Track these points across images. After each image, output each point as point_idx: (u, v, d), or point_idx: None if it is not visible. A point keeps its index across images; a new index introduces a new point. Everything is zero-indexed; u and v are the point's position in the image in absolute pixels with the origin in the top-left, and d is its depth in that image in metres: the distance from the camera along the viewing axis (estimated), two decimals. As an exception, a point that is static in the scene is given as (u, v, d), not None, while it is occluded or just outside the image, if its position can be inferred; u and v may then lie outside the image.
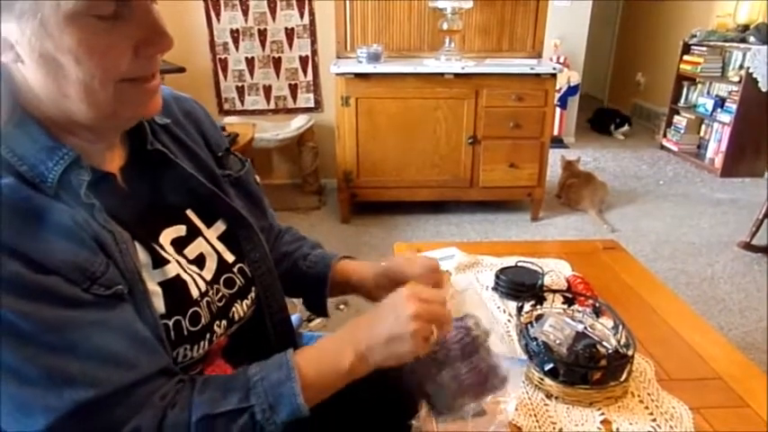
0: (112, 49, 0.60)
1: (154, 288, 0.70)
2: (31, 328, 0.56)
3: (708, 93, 4.84)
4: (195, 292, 0.75)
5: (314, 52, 3.72)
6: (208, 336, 0.76)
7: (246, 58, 3.70)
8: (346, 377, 0.72)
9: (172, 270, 0.73)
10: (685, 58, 4.97)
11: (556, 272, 1.41)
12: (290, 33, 3.66)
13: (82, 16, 0.57)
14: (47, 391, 0.57)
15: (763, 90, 4.16)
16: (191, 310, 0.73)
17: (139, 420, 0.61)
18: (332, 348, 0.73)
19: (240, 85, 3.76)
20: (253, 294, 0.86)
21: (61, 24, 0.56)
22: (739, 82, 4.33)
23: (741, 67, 4.43)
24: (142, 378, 0.62)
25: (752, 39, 4.32)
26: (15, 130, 0.62)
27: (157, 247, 0.73)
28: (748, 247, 3.13)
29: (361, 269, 1.00)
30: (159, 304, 0.70)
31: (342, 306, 2.49)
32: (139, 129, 0.76)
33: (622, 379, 0.98)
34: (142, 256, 0.71)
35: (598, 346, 1.02)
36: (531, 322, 1.13)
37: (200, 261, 0.79)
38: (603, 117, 5.88)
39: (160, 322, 0.69)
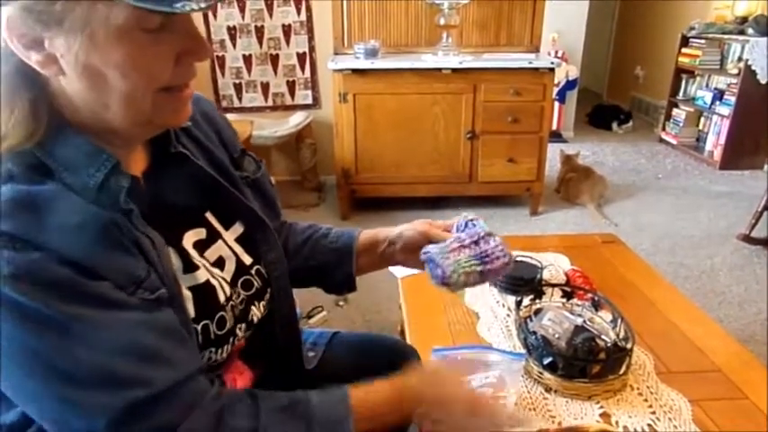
0: (157, 61, 0.61)
1: (185, 292, 0.71)
2: (81, 331, 0.57)
3: (707, 85, 4.83)
4: (222, 297, 0.76)
5: (311, 49, 3.71)
6: (231, 339, 0.77)
7: (244, 56, 3.69)
8: None
9: (202, 275, 0.74)
10: (684, 50, 4.96)
11: (555, 266, 1.42)
12: (287, 30, 3.65)
13: (130, 30, 0.57)
14: (100, 391, 0.58)
15: (762, 82, 4.15)
16: (218, 315, 0.74)
17: (193, 423, 0.62)
18: (387, 410, 0.74)
19: (238, 82, 3.75)
20: (268, 296, 0.87)
21: (110, 38, 0.57)
22: (738, 74, 4.32)
23: (740, 59, 4.42)
24: (187, 376, 0.63)
25: (750, 31, 4.31)
26: (55, 136, 0.62)
27: (185, 252, 0.74)
28: (747, 239, 3.13)
29: (387, 229, 1.00)
30: (190, 308, 0.71)
31: (341, 302, 2.49)
32: (164, 132, 0.76)
33: (621, 372, 0.99)
34: (174, 260, 0.72)
35: (597, 340, 1.02)
36: (530, 316, 1.13)
37: (219, 264, 0.80)
38: (603, 113, 5.86)
39: (192, 326, 0.70)
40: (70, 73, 0.59)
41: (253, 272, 0.84)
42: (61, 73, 0.59)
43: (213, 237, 0.80)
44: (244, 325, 0.81)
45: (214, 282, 0.76)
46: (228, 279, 0.80)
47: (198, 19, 3.52)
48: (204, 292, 0.73)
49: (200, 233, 0.79)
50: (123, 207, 0.64)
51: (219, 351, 0.75)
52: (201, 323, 0.72)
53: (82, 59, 0.58)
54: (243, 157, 0.92)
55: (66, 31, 0.56)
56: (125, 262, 0.62)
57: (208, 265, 0.77)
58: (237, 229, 0.85)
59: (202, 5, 0.56)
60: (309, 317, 2.35)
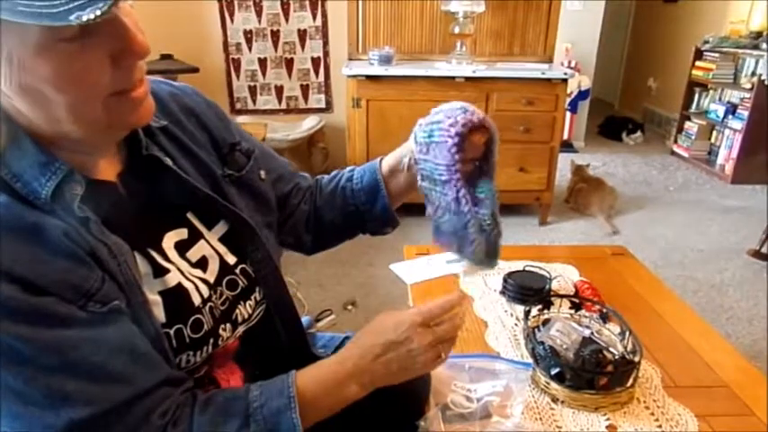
0: (89, 69, 0.59)
1: (154, 298, 0.70)
2: (28, 351, 0.57)
3: (719, 99, 4.81)
4: (197, 300, 0.75)
5: (326, 54, 3.75)
6: (212, 341, 0.76)
7: (259, 59, 3.73)
8: (346, 404, 0.75)
9: (173, 279, 0.73)
10: (697, 63, 4.95)
11: (563, 277, 1.42)
12: (302, 34, 3.69)
13: (50, 43, 0.56)
14: (45, 410, 0.58)
15: (776, 97, 4.14)
16: (192, 318, 0.73)
17: None
18: (334, 379, 0.74)
19: (252, 84, 3.79)
20: (257, 295, 0.86)
21: (32, 57, 0.56)
22: (751, 89, 4.30)
23: (753, 74, 4.41)
24: (140, 393, 0.63)
25: (764, 45, 4.30)
26: (10, 148, 0.62)
27: (158, 255, 0.73)
28: (758, 255, 3.11)
29: (399, 152, 0.96)
30: (159, 314, 0.69)
31: (350, 307, 2.50)
32: (134, 134, 0.75)
33: (628, 385, 0.99)
34: (142, 265, 0.70)
35: (605, 352, 1.03)
36: (538, 326, 1.14)
37: (202, 264, 0.79)
38: (615, 124, 5.86)
39: (161, 332, 0.69)
40: (12, 95, 0.59)
41: (237, 271, 0.83)
42: (6, 96, 0.59)
43: (195, 237, 0.79)
44: (229, 325, 0.79)
45: (187, 284, 0.74)
46: (212, 279, 0.78)
47: (215, 22, 3.59)
48: (175, 296, 0.72)
49: (182, 233, 0.78)
50: (78, 215, 0.63)
51: (199, 353, 0.74)
52: (174, 327, 0.70)
53: (15, 81, 0.57)
54: (232, 152, 0.89)
55: None
56: (75, 274, 0.60)
57: (185, 265, 0.76)
58: (221, 228, 0.83)
59: (98, 13, 0.53)
60: (318, 320, 2.36)
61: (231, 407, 0.68)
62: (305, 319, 1.05)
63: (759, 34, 4.51)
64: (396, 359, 0.74)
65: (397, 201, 0.99)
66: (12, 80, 0.57)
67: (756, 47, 4.41)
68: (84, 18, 0.52)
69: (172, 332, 0.70)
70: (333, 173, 1.07)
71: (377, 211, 0.99)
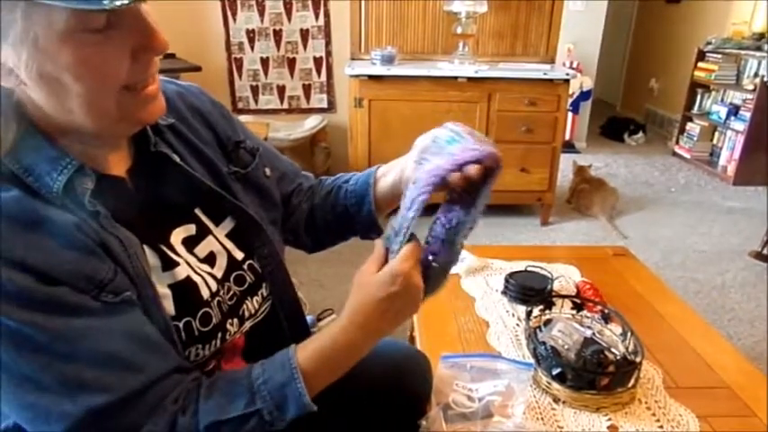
0: (110, 60, 0.60)
1: (163, 291, 0.71)
2: (43, 339, 0.57)
3: (722, 100, 4.81)
4: (206, 293, 0.76)
5: (328, 53, 3.75)
6: (220, 335, 0.77)
7: (261, 58, 3.73)
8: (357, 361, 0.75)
9: (182, 272, 0.74)
10: (700, 65, 4.95)
11: (565, 277, 1.43)
12: (304, 34, 3.69)
13: (75, 33, 0.57)
14: (62, 397, 0.59)
15: (778, 99, 4.13)
16: (201, 311, 0.74)
17: (153, 426, 0.62)
18: (341, 346, 0.73)
19: (254, 84, 3.79)
20: (264, 291, 0.86)
21: (56, 44, 0.57)
22: (754, 90, 4.30)
23: (756, 75, 4.41)
24: (153, 380, 0.64)
25: (767, 47, 4.30)
26: (22, 141, 0.63)
27: (167, 250, 0.74)
28: (760, 256, 3.11)
29: (402, 162, 0.95)
30: (169, 307, 0.70)
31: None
32: (143, 131, 0.76)
33: (630, 385, 0.99)
34: (151, 259, 0.71)
35: (606, 352, 1.03)
36: (539, 326, 1.14)
37: (210, 259, 0.79)
38: (617, 125, 5.86)
39: (171, 324, 0.69)
40: (29, 82, 0.59)
41: (245, 267, 0.84)
42: (22, 83, 0.60)
43: (203, 232, 0.80)
44: (236, 320, 0.80)
45: (196, 278, 0.75)
46: (220, 275, 0.79)
47: (217, 21, 3.59)
48: (185, 289, 0.73)
49: (190, 229, 0.79)
50: (89, 209, 0.64)
51: (207, 347, 0.75)
52: (183, 320, 0.71)
53: (35, 68, 0.58)
54: (237, 150, 0.90)
55: (12, 44, 0.56)
56: (88, 265, 0.61)
57: (194, 260, 0.77)
58: (228, 224, 0.84)
59: None
60: (319, 319, 2.36)
61: (235, 388, 0.69)
62: (308, 319, 1.04)
63: (762, 35, 4.51)
64: (401, 308, 0.73)
65: (381, 208, 0.98)
66: (33, 66, 0.58)
67: (759, 48, 4.40)
68: (118, 3, 0.53)
69: (181, 325, 0.71)
70: (337, 175, 1.07)
71: (363, 215, 0.99)
